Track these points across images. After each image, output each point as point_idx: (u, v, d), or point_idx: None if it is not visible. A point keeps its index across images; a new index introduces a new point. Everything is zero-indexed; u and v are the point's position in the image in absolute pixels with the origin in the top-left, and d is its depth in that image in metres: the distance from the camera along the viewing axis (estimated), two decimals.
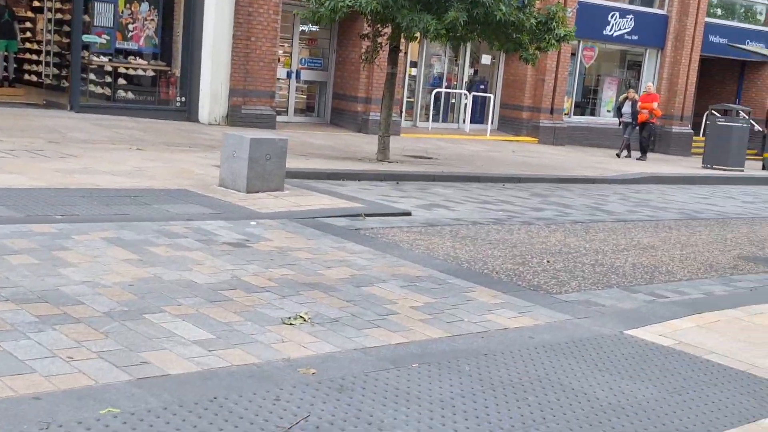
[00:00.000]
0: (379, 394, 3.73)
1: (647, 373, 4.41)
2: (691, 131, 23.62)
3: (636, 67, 23.67)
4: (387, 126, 13.11)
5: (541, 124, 20.80)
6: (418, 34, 12.36)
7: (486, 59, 21.25)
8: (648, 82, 21.92)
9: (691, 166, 19.20)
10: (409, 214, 8.81)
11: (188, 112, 16.01)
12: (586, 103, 23.33)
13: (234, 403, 3.47)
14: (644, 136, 19.84)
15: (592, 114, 23.22)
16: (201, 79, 15.83)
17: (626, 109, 19.80)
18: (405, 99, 19.56)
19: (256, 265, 5.91)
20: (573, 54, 21.61)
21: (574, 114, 22.63)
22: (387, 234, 7.70)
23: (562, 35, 11.99)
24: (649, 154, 20.17)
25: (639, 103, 19.59)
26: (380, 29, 12.92)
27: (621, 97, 20.68)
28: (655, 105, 19.87)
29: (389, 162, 12.95)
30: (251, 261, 6.03)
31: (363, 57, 13.29)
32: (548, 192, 12.43)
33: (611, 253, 7.96)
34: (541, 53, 13.08)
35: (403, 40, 13.04)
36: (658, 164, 18.68)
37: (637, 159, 19.43)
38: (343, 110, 18.30)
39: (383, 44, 13.07)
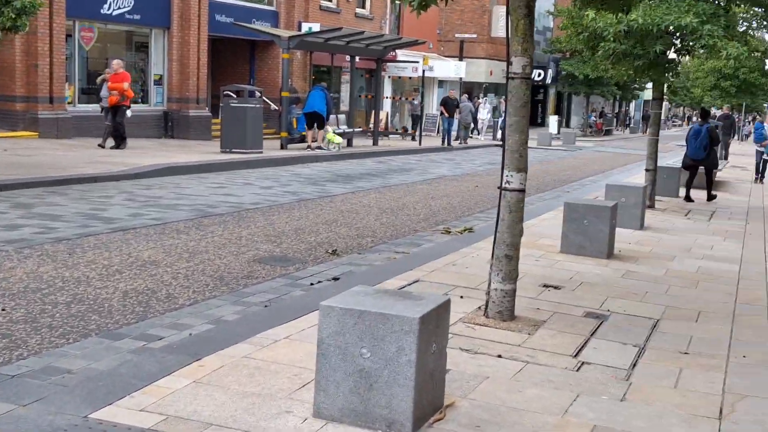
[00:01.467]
0: None
1: None
2: (210, 114, 22.83)
3: (144, 48, 22.06)
4: None
5: (40, 116, 18.08)
6: None
7: None
8: (155, 63, 20.22)
9: (210, 151, 18.23)
10: None
11: None
12: (96, 89, 21.04)
13: None
14: (119, 122, 17.19)
15: (101, 101, 21.00)
16: None
17: (104, 92, 17.33)
18: None
19: None
20: (69, 36, 19.20)
21: (81, 102, 20.25)
22: None
23: (20, 6, 9.71)
24: (168, 141, 18.62)
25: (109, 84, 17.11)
26: None
27: (99, 79, 17.99)
28: (126, 85, 17.22)
29: None
30: None
31: None
32: (37, 200, 10.23)
33: (98, 280, 6.27)
34: (11, 34, 10.69)
35: None
36: (174, 152, 17.37)
37: (111, 148, 16.89)
38: None
39: None
